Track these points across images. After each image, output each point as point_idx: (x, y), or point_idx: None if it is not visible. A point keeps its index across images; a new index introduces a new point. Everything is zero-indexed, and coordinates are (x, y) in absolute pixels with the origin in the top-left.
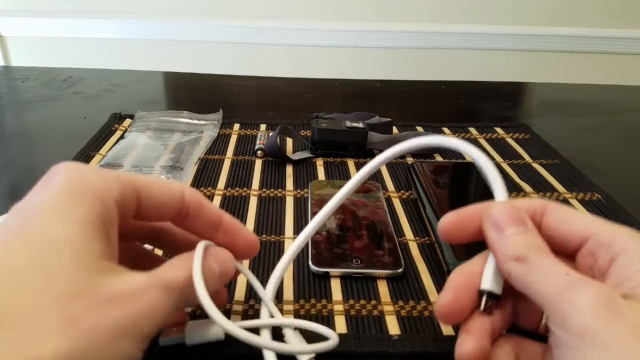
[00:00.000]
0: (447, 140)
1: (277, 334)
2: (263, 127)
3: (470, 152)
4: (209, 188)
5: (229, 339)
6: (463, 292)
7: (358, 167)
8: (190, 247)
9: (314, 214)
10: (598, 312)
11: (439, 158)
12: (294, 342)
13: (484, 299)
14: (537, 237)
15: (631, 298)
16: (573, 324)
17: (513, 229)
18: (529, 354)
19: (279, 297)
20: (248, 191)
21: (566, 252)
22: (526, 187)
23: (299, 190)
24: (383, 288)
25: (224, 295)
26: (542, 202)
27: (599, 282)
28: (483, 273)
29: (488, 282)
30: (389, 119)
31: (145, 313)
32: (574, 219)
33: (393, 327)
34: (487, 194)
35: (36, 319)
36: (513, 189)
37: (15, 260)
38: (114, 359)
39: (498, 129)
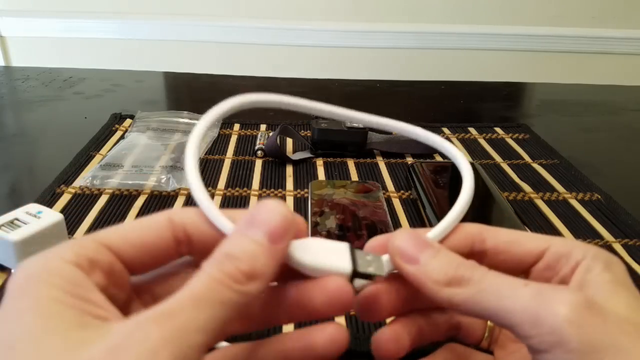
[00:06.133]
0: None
1: None
2: (263, 127)
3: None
4: (209, 188)
5: None
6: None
7: (358, 167)
8: None
9: (314, 214)
10: (589, 320)
11: (438, 158)
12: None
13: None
14: (453, 254)
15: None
16: (570, 337)
17: (425, 254)
18: None
19: None
20: (248, 191)
21: (516, 272)
22: (526, 187)
23: (299, 190)
24: None
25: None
26: (474, 226)
27: (560, 285)
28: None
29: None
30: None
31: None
32: (522, 239)
33: None
34: (487, 194)
35: None
36: (513, 189)
37: None
38: None
39: (498, 129)
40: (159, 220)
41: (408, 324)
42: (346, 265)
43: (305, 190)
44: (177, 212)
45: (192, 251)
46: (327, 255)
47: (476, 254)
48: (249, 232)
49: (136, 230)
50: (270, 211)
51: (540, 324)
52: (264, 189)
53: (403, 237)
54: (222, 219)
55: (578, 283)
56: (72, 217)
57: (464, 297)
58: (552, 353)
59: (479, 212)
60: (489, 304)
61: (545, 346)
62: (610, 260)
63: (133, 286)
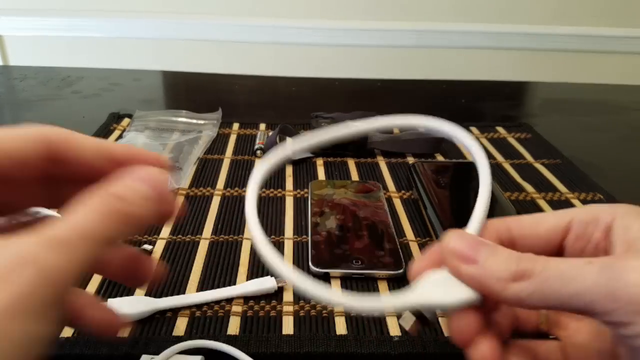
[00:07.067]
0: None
1: None
2: (262, 126)
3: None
4: (208, 188)
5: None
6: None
7: (358, 167)
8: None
9: (314, 214)
10: None
11: (440, 158)
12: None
13: (413, 319)
14: (508, 250)
15: None
16: None
17: (483, 252)
18: (545, 353)
19: (278, 298)
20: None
21: (549, 251)
22: (528, 187)
23: (299, 190)
24: (384, 289)
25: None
26: (499, 220)
27: (622, 255)
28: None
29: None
30: None
31: (35, 284)
32: (544, 218)
33: (394, 328)
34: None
35: None
36: (515, 189)
37: None
38: (15, 344)
39: (499, 129)
40: (35, 132)
41: (493, 334)
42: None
43: (305, 190)
44: (55, 130)
45: (61, 172)
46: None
47: (506, 245)
48: (138, 184)
49: (15, 143)
50: (159, 178)
51: (616, 297)
52: (264, 189)
53: (456, 238)
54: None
55: (625, 244)
56: None
57: (531, 290)
58: (637, 323)
59: None
60: (557, 291)
61: (626, 318)
62: None
63: None
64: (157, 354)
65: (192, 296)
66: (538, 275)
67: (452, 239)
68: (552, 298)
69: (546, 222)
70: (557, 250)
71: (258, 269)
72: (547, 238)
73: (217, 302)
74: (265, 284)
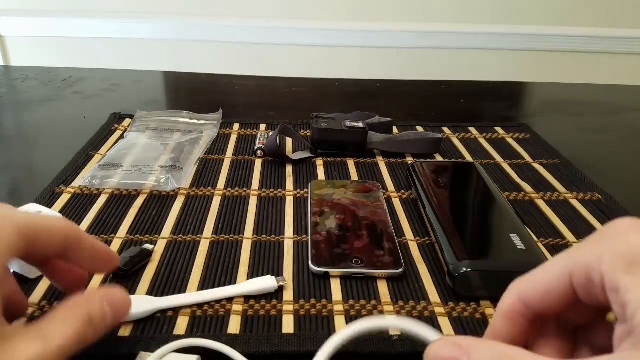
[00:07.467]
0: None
1: None
2: (263, 127)
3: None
4: (209, 188)
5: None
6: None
7: (358, 167)
8: (71, 275)
9: (314, 214)
10: None
11: (438, 158)
12: None
13: None
14: (480, 340)
15: None
16: None
17: (465, 358)
18: None
19: (279, 298)
20: (248, 191)
21: (574, 308)
22: (526, 187)
23: (299, 191)
24: (383, 288)
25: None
26: (505, 303)
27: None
28: None
29: None
30: (389, 119)
31: None
32: (548, 283)
33: None
34: (487, 194)
35: None
36: (513, 189)
37: None
38: None
39: (498, 129)
40: (62, 228)
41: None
42: None
43: (305, 190)
44: (71, 227)
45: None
46: None
47: (534, 319)
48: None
49: (49, 232)
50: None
51: None
52: (264, 189)
53: (435, 348)
54: None
55: (628, 327)
56: (72, 217)
57: None
58: None
59: (480, 212)
60: None
61: None
62: (629, 257)
63: None
64: None
65: (193, 295)
66: None
67: (431, 349)
68: None
69: (554, 289)
70: (579, 306)
71: (258, 268)
72: (563, 302)
73: (218, 301)
74: (266, 283)
